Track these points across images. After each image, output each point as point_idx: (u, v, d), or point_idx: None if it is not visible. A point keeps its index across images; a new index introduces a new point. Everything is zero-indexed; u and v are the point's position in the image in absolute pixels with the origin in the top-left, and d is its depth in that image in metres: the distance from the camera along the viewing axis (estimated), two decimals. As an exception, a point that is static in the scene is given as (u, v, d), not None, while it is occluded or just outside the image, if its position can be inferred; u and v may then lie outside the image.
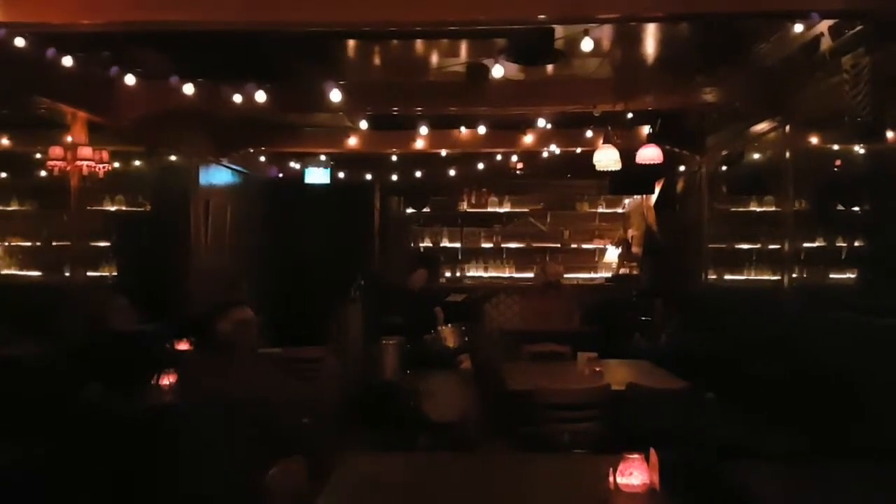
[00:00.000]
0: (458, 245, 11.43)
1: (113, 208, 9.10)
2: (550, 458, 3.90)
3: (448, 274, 11.30)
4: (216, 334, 3.87)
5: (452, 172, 10.48)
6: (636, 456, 2.74)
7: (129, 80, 5.84)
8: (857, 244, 5.62)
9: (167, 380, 4.87)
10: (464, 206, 11.45)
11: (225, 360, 3.91)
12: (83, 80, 6.05)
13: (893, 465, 3.21)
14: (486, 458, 4.14)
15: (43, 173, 7.84)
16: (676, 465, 2.93)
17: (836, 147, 5.97)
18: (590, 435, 4.55)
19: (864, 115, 4.38)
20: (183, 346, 5.72)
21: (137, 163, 8.95)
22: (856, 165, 5.70)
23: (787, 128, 6.28)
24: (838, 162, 6.02)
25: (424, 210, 11.47)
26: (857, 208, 5.67)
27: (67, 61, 5.33)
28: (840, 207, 5.82)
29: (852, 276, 5.63)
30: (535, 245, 11.23)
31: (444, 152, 9.63)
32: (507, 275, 11.24)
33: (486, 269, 11.33)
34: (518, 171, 10.60)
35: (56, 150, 6.64)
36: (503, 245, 11.33)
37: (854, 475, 3.13)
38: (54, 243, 8.61)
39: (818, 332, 5.28)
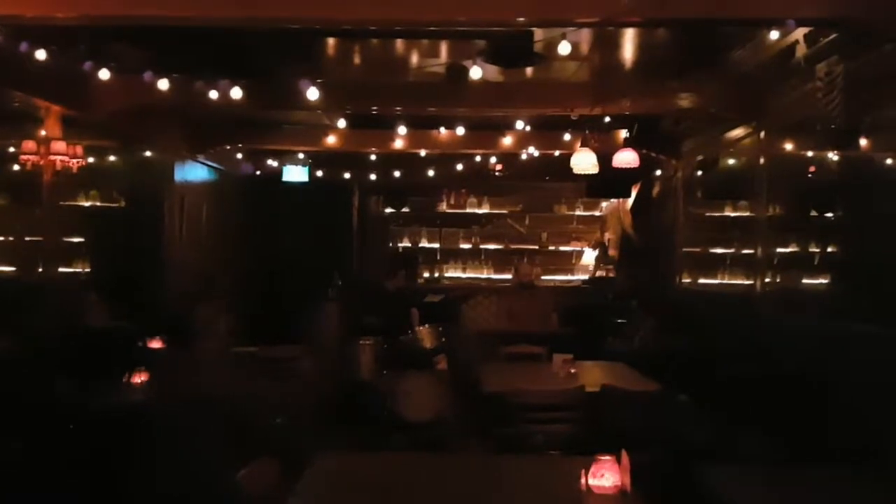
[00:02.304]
0: (436, 245, 11.39)
1: (87, 204, 9.00)
2: (524, 459, 3.91)
3: (426, 274, 11.28)
4: (189, 332, 3.85)
5: (431, 173, 10.46)
6: (608, 458, 2.76)
7: (104, 74, 5.76)
8: (829, 250, 5.69)
9: (139, 378, 4.81)
10: (443, 207, 11.42)
11: (197, 358, 3.88)
12: (57, 74, 5.96)
13: (864, 468, 3.25)
14: (460, 459, 4.14)
15: (16, 167, 7.73)
16: (649, 466, 2.95)
17: (810, 153, 6.04)
18: (564, 436, 4.57)
19: (837, 122, 4.44)
20: (155, 343, 5.66)
21: (112, 158, 8.84)
22: (829, 172, 5.77)
23: (762, 134, 6.34)
24: (812, 168, 6.09)
25: (403, 210, 11.43)
26: (830, 214, 5.75)
27: (41, 54, 5.25)
28: (813, 213, 5.89)
29: (825, 281, 5.70)
30: (513, 247, 11.23)
31: (423, 153, 9.62)
32: (485, 276, 11.24)
33: (464, 270, 11.31)
34: (497, 173, 10.61)
35: (29, 145, 6.54)
36: (482, 246, 11.32)
37: (825, 478, 3.17)
38: (27, 238, 8.49)
39: (790, 335, 5.33)
